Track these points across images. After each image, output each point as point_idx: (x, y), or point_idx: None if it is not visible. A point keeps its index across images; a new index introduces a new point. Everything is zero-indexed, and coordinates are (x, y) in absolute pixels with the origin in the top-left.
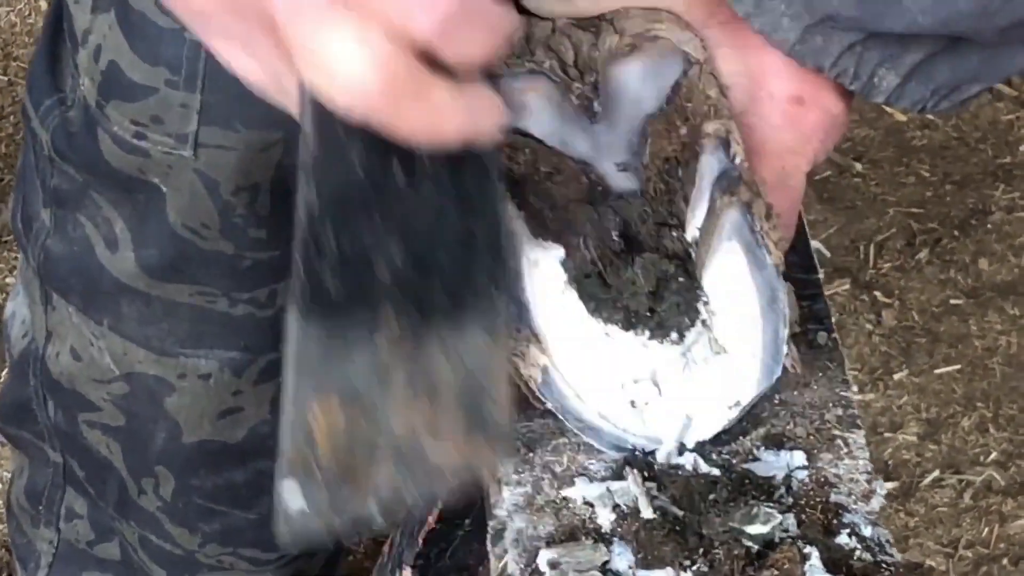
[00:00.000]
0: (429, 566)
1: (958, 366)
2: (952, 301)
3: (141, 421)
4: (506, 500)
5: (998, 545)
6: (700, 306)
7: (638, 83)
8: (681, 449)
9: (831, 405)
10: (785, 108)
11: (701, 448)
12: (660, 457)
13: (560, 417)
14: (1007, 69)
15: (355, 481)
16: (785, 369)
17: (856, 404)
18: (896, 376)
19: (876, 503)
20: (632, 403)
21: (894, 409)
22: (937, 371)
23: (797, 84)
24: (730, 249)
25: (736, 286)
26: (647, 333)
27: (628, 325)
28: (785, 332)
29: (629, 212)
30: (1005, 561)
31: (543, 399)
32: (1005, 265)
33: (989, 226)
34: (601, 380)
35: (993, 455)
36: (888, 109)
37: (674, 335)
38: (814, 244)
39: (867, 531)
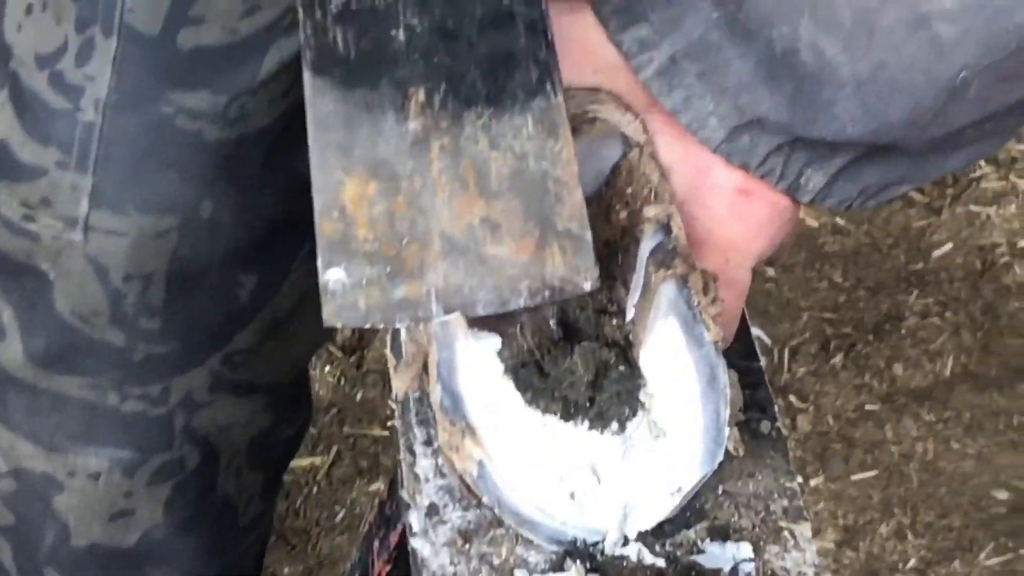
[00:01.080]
0: None
1: (874, 472)
2: (867, 407)
3: (30, 520)
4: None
5: None
6: (641, 395)
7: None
8: (625, 540)
9: (776, 496)
10: (731, 199)
11: (644, 539)
12: (607, 548)
13: (496, 512)
14: (937, 171)
15: (403, 264)
16: (728, 453)
17: (800, 495)
18: (812, 482)
19: None
20: (571, 494)
21: (811, 515)
22: (853, 477)
23: (743, 175)
24: (667, 325)
25: (674, 364)
26: (586, 423)
27: (567, 415)
28: (726, 413)
29: (567, 300)
30: None
31: (479, 494)
32: (920, 370)
33: (903, 331)
34: (539, 472)
35: (912, 562)
36: (799, 214)
37: (615, 425)
38: (754, 331)
39: None
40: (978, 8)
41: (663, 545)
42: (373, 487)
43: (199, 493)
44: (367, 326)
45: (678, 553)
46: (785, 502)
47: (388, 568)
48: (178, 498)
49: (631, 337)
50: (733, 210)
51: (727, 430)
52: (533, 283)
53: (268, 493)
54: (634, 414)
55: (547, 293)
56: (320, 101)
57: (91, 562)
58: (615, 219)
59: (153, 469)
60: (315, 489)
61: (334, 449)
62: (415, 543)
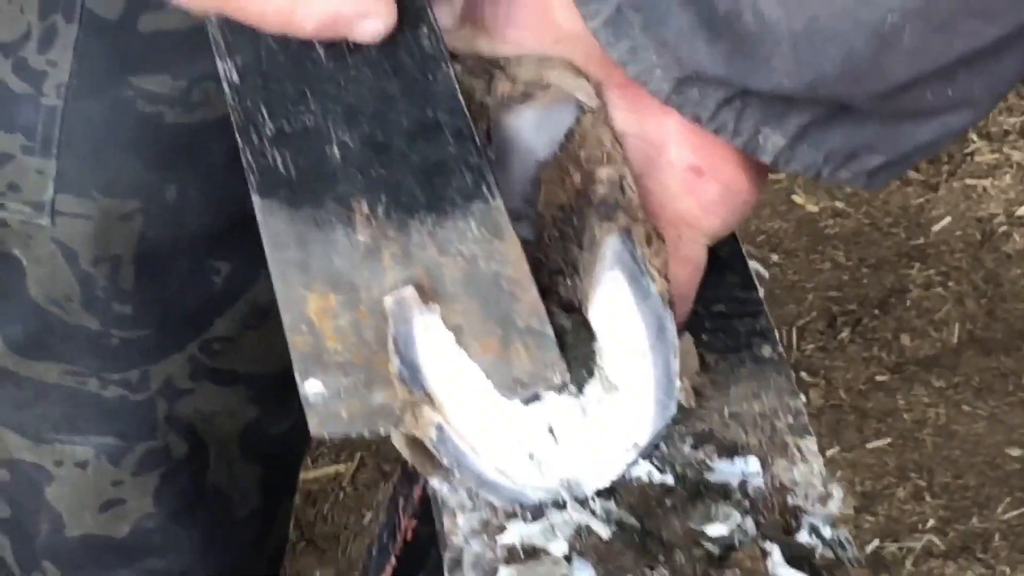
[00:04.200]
0: None
1: (888, 440)
2: (878, 378)
3: (25, 512)
4: (461, 527)
5: None
6: (597, 358)
7: (531, 131)
8: (584, 501)
9: (781, 414)
10: (684, 177)
11: (652, 460)
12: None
13: (457, 475)
14: (909, 143)
15: (376, 371)
16: (680, 405)
17: (805, 413)
18: (828, 453)
19: (834, 506)
20: (530, 456)
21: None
22: (868, 446)
23: (696, 153)
24: (613, 279)
25: (622, 318)
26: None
27: None
28: (676, 364)
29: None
30: None
31: (439, 454)
32: (927, 340)
33: (908, 303)
34: (497, 434)
35: (931, 522)
36: (798, 201)
37: (572, 388)
38: (752, 265)
39: (827, 532)
40: None
41: (671, 466)
42: None
43: (189, 483)
44: (352, 434)
45: (688, 473)
46: (790, 419)
47: (414, 523)
48: (167, 488)
49: (579, 293)
50: (686, 187)
51: (678, 382)
52: (503, 381)
53: (271, 489)
54: (591, 376)
55: (518, 390)
56: (271, 222)
57: (85, 554)
58: (569, 182)
59: (139, 457)
60: (341, 495)
61: (357, 456)
62: (434, 483)
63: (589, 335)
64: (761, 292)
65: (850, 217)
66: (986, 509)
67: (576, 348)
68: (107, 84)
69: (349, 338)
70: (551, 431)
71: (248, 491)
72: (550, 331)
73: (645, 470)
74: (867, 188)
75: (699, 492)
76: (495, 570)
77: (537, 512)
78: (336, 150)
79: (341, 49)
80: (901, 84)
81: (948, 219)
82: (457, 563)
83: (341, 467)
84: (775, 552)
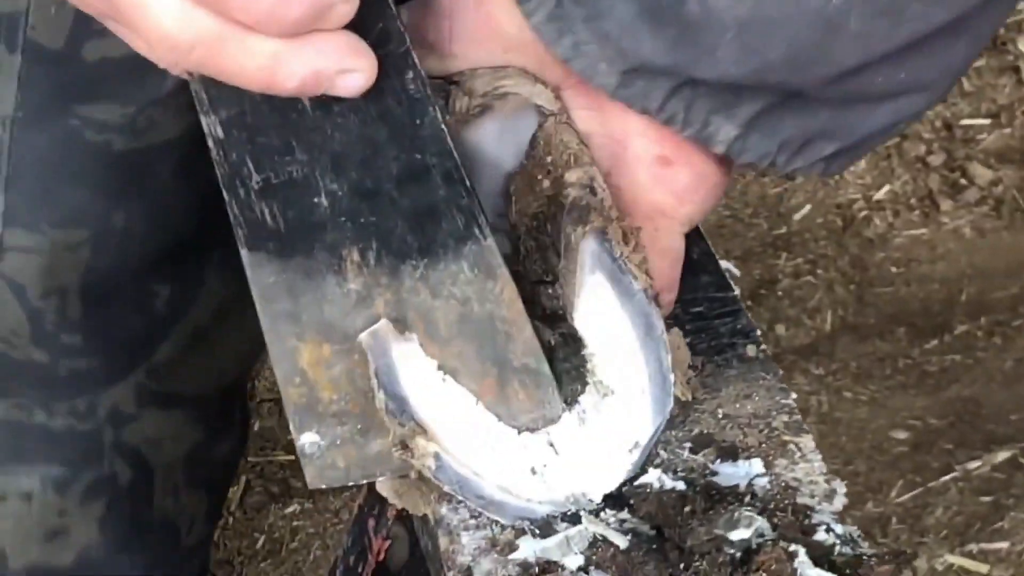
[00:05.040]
0: None
1: None
2: None
3: None
4: (466, 545)
5: None
6: (588, 365)
7: (494, 143)
8: (593, 508)
9: (775, 413)
10: (652, 169)
11: (661, 466)
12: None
13: (460, 497)
14: (864, 128)
15: (372, 419)
16: (677, 399)
17: (797, 410)
18: None
19: (839, 503)
20: (532, 470)
21: None
22: None
23: (661, 144)
24: (595, 282)
25: (609, 320)
26: None
27: None
28: (668, 359)
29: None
30: None
31: (439, 483)
32: (801, 328)
33: (780, 293)
34: (497, 454)
35: None
36: None
37: (566, 399)
38: (723, 264)
39: (838, 528)
40: None
41: (677, 471)
42: (288, 510)
43: (135, 510)
44: (349, 483)
45: (694, 478)
46: (785, 417)
47: (388, 544)
48: (113, 515)
49: (563, 301)
50: (656, 178)
51: (672, 376)
52: (503, 420)
53: (211, 516)
54: (584, 387)
55: (517, 431)
56: (260, 274)
57: None
58: (539, 189)
59: (85, 485)
60: (231, 520)
61: (243, 479)
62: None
63: (578, 345)
64: (736, 291)
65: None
66: (879, 494)
67: (567, 361)
68: (54, 115)
69: (344, 387)
70: (551, 444)
71: (195, 518)
72: (547, 369)
73: (655, 476)
74: (824, 176)
75: (712, 497)
76: None
77: (547, 528)
78: (324, 199)
79: (326, 97)
80: (850, 69)
81: (808, 207)
82: None
83: (228, 491)
84: (800, 553)
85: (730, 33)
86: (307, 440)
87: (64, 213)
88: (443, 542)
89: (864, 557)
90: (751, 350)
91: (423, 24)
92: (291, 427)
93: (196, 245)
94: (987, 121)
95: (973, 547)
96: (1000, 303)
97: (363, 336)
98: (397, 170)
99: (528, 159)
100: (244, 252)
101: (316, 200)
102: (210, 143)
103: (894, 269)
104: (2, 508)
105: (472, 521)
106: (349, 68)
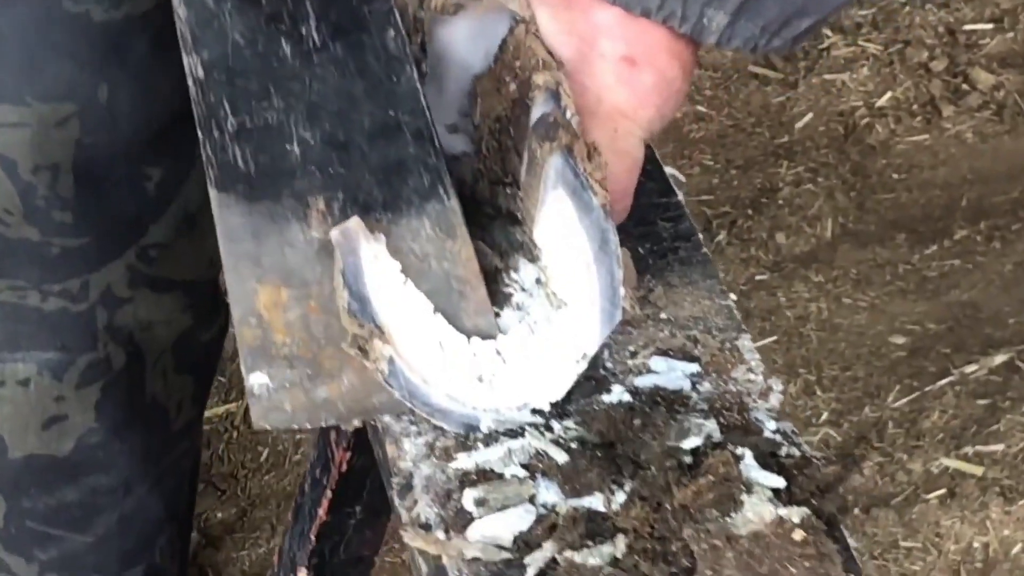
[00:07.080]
0: (324, 564)
1: (774, 337)
2: (757, 277)
3: None
4: (408, 451)
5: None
6: (541, 276)
7: (465, 43)
8: (540, 413)
9: (713, 314)
10: (617, 68)
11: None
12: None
13: (408, 405)
14: (834, 1)
15: (322, 366)
16: (624, 311)
17: (735, 311)
18: None
19: (775, 399)
20: (479, 378)
21: None
22: (755, 344)
23: (629, 44)
24: (556, 197)
25: (566, 234)
26: None
27: None
28: (620, 273)
29: (463, 172)
30: (857, 511)
31: (391, 387)
32: (802, 236)
33: (780, 201)
34: (446, 361)
35: (824, 415)
36: None
37: (514, 305)
38: (668, 170)
39: (771, 426)
40: None
41: (617, 377)
42: None
43: (128, 394)
44: (294, 427)
45: (635, 382)
46: (722, 319)
47: (348, 456)
48: (108, 400)
49: (523, 215)
50: (620, 78)
51: (622, 290)
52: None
53: (198, 399)
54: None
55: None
56: (227, 215)
57: (29, 475)
58: (505, 92)
59: (80, 370)
60: (235, 434)
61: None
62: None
63: (531, 254)
64: (680, 196)
65: (713, 120)
66: (876, 399)
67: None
68: None
69: (297, 332)
70: (499, 353)
71: (182, 401)
72: (497, 332)
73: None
74: (789, 52)
75: (658, 404)
76: (449, 492)
77: (490, 439)
78: (296, 147)
79: (307, 48)
80: None
81: (810, 115)
82: (407, 487)
83: (232, 406)
84: (747, 456)
85: None
86: (256, 381)
87: (48, 85)
88: (390, 450)
89: (814, 460)
90: (691, 252)
91: None
92: (242, 366)
93: (185, 127)
94: (990, 26)
95: (968, 450)
96: (1000, 207)
97: (333, 232)
98: (370, 125)
99: (496, 62)
100: (213, 192)
101: (288, 147)
102: (190, 82)
103: (895, 176)
104: (1, 394)
105: (414, 428)
106: None
